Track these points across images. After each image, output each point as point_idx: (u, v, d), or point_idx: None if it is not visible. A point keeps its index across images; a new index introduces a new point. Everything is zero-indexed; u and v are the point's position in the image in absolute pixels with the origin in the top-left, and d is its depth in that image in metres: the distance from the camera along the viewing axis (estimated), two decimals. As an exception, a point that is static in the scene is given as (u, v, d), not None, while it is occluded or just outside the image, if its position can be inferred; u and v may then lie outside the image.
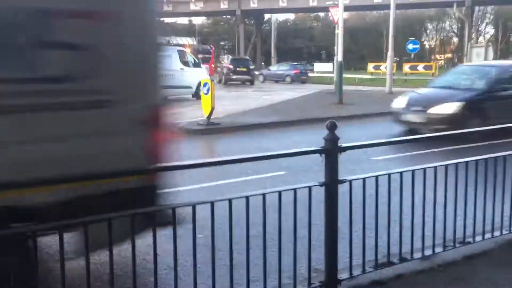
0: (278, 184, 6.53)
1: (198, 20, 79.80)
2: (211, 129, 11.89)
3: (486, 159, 4.11)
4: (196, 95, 20.95)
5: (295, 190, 3.23)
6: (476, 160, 4.03)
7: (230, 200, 2.99)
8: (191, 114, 15.03)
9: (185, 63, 21.80)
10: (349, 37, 59.81)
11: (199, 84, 20.51)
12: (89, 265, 2.58)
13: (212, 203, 2.93)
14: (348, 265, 3.50)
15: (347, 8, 34.60)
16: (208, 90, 11.84)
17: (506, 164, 4.16)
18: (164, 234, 4.60)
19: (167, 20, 76.56)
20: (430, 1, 47.39)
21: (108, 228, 2.52)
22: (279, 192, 3.15)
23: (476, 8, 53.75)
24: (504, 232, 4.27)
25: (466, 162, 4.02)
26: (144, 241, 4.47)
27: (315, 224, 4.13)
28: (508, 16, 69.59)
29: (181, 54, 22.30)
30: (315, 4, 48.33)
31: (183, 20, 79.23)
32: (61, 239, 2.44)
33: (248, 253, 3.07)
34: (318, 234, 4.32)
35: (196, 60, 24.39)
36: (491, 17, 72.19)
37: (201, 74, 22.02)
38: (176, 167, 3.23)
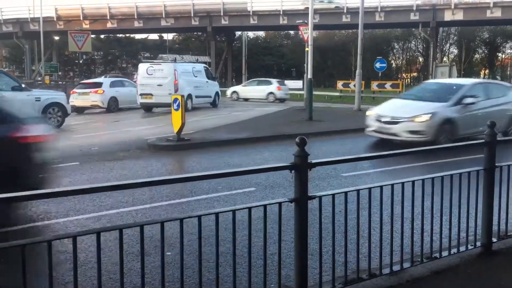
0: (248, 201, 6.54)
1: (169, 36, 79.74)
2: (181, 145, 11.80)
3: (451, 175, 4.21)
4: (213, 104, 25.45)
5: (265, 206, 3.21)
6: (442, 176, 4.11)
7: (199, 217, 2.95)
8: (161, 130, 14.91)
9: (208, 77, 25.24)
10: (318, 55, 60.79)
11: (216, 94, 25.72)
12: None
13: (181, 220, 2.88)
14: (318, 282, 3.49)
15: (316, 27, 35.20)
16: (178, 105, 11.77)
17: (471, 180, 4.26)
18: (131, 252, 4.52)
19: (138, 36, 76.29)
20: (397, 21, 48.65)
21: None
22: (249, 209, 3.13)
23: (441, 29, 55.50)
24: (470, 247, 4.36)
25: (432, 178, 4.10)
26: (110, 259, 4.38)
27: (285, 241, 4.12)
28: (470, 37, 72.13)
29: (206, 70, 25.82)
30: (285, 22, 48.98)
31: (154, 36, 79.07)
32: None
33: (217, 270, 3.03)
34: (288, 250, 4.32)
35: (213, 75, 28.51)
36: (455, 38, 74.69)
37: (216, 87, 26.21)
38: (145, 184, 3.17)
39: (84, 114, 23.21)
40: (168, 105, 20.12)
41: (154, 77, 22.07)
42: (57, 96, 17.23)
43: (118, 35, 73.67)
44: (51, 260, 2.48)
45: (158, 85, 21.85)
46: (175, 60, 25.63)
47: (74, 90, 24.34)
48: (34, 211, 6.04)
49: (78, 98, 23.30)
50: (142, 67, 23.03)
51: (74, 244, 2.54)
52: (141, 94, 22.21)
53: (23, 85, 16.66)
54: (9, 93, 14.66)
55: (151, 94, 21.97)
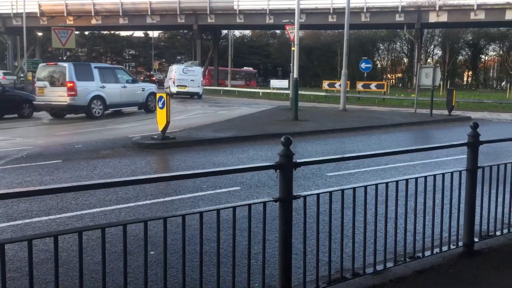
0: (233, 200, 6.52)
1: (154, 34, 79.26)
2: (166, 143, 11.74)
3: (434, 175, 4.24)
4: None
5: (249, 205, 3.20)
6: (425, 176, 4.15)
7: (183, 216, 2.93)
8: (145, 128, 14.81)
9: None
10: (304, 55, 61.00)
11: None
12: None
13: (164, 219, 2.86)
14: (302, 281, 3.50)
15: (303, 26, 35.29)
16: (163, 104, 11.70)
17: (453, 181, 4.30)
18: (114, 251, 4.48)
19: (123, 33, 75.67)
20: (382, 22, 49.05)
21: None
22: (234, 208, 3.12)
23: (425, 30, 56.12)
24: (452, 246, 4.40)
25: (416, 178, 4.13)
26: (93, 259, 4.33)
27: (269, 240, 4.12)
28: (454, 39, 73.01)
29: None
30: (271, 21, 49.05)
31: (139, 33, 78.52)
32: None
33: (201, 269, 3.01)
34: (272, 250, 4.32)
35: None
36: (439, 39, 75.54)
37: None
38: (128, 182, 3.14)
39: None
40: (196, 93, 34.55)
41: (188, 75, 34.14)
42: (152, 87, 23.03)
43: (102, 32, 73.02)
44: (31, 259, 2.44)
45: (191, 80, 34.14)
46: (198, 64, 37.82)
47: None
48: (15, 209, 5.95)
49: None
50: (179, 67, 35.03)
51: (56, 243, 2.50)
52: (177, 85, 33.72)
53: (136, 79, 23.26)
54: (128, 85, 20.52)
55: (185, 86, 33.91)
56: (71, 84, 18.20)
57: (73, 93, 18.23)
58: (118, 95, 20.07)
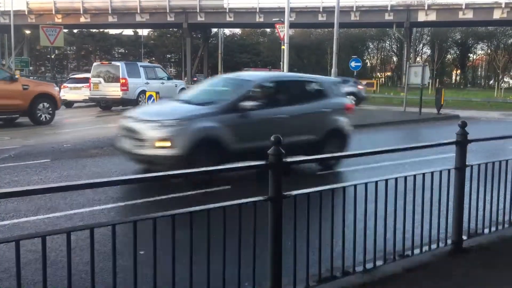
0: (223, 199, 6.50)
1: (144, 32, 78.87)
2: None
3: (423, 174, 4.27)
4: None
5: (239, 205, 3.20)
6: (415, 175, 4.17)
7: (173, 216, 2.92)
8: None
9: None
10: (294, 53, 61.09)
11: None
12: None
13: (154, 219, 2.85)
14: (292, 280, 3.50)
15: (292, 25, 35.33)
16: (153, 102, 11.65)
17: (442, 179, 4.33)
18: (104, 251, 4.44)
19: (112, 31, 75.23)
20: (372, 21, 49.26)
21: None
22: (224, 207, 3.12)
23: (414, 29, 56.44)
24: (441, 244, 4.44)
25: (405, 177, 4.16)
26: (82, 259, 4.30)
27: (259, 239, 4.11)
28: (443, 38, 73.53)
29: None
30: (261, 20, 49.04)
31: (129, 32, 78.05)
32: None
33: (191, 269, 3.00)
34: (262, 248, 4.31)
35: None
36: (428, 38, 76.03)
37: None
38: (116, 182, 3.12)
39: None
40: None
41: None
42: (182, 83, 25.37)
43: (91, 30, 72.51)
44: (19, 260, 2.42)
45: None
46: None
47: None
48: (3, 209, 5.89)
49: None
50: None
51: (43, 243, 2.48)
52: None
53: (171, 76, 25.93)
54: (165, 81, 22.56)
55: None
56: (124, 80, 20.56)
57: (125, 88, 20.56)
58: (158, 90, 22.12)
